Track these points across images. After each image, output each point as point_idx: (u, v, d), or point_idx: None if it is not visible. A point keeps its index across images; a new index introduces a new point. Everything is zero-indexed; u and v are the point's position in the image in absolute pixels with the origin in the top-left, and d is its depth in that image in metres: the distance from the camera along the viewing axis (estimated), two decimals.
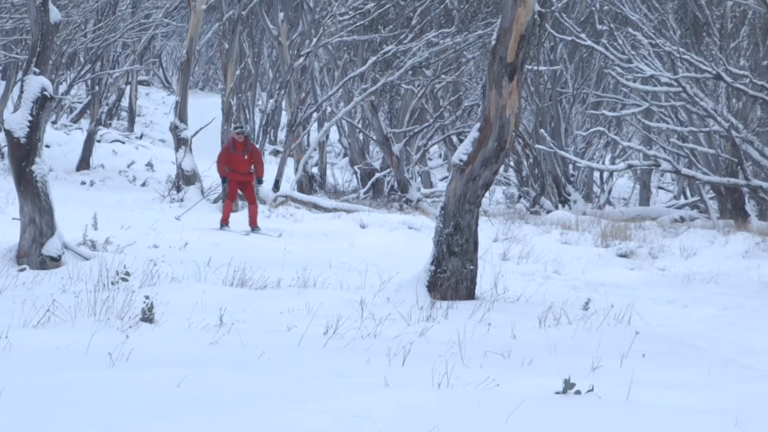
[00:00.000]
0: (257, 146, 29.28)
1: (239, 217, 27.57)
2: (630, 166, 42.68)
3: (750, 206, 37.30)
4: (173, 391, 7.99)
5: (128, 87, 55.16)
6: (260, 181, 28.02)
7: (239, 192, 27.59)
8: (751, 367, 11.67)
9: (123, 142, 48.17)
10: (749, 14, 34.91)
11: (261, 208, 30.38)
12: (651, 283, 19.79)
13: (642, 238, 26.43)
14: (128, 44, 48.54)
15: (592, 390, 8.89)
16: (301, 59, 36.43)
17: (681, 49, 34.17)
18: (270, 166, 37.25)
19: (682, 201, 43.25)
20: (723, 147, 35.05)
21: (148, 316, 11.43)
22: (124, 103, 56.75)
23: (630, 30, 36.67)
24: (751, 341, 13.79)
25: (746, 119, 34.58)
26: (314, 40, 36.28)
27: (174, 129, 31.83)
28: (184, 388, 8.09)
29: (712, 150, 35.85)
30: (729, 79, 32.19)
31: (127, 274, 14.22)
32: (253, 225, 26.08)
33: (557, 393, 8.80)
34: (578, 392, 8.82)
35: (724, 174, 35.20)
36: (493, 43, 15.45)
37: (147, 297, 11.80)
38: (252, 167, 26.81)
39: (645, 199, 48.89)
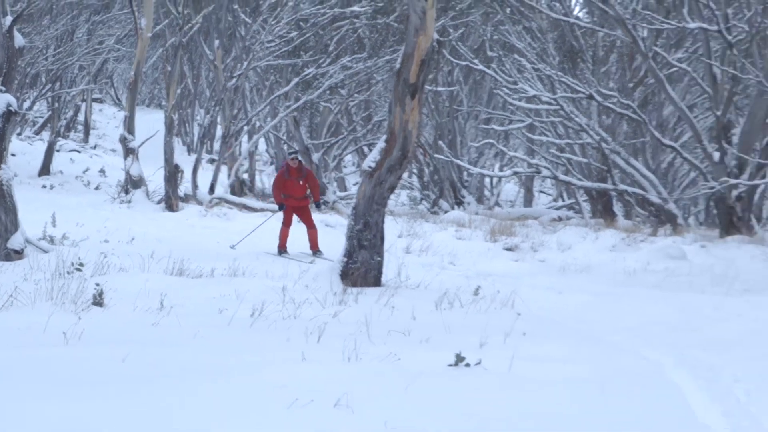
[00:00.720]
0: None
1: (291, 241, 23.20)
2: (515, 173, 43.01)
3: (617, 207, 37.59)
4: (119, 366, 8.00)
5: (84, 104, 54.84)
6: (318, 205, 23.58)
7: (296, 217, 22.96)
8: (616, 344, 11.77)
9: (79, 152, 47.82)
10: (617, 43, 35.16)
11: (197, 208, 30.18)
12: (532, 273, 19.89)
13: (525, 234, 26.54)
14: (84, 66, 48.13)
15: (479, 363, 8.98)
16: (234, 80, 36.39)
17: (559, 73, 34.38)
18: (206, 173, 37.19)
19: (560, 203, 43.49)
20: (594, 157, 35.30)
21: (98, 301, 11.43)
22: (81, 117, 56.32)
23: (516, 56, 36.86)
24: (617, 322, 13.89)
25: (614, 133, 34.85)
26: (245, 63, 36.24)
27: (123, 140, 31.69)
28: (129, 363, 8.10)
29: (585, 159, 36.12)
30: (600, 99, 32.43)
31: (81, 264, 14.17)
32: (315, 249, 21.95)
33: (450, 365, 8.88)
34: (468, 365, 8.91)
35: (596, 180, 35.47)
36: (398, 66, 15.56)
37: (98, 284, 11.80)
38: (308, 191, 22.66)
39: (528, 201, 49.20)
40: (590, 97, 32.57)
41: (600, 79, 35.10)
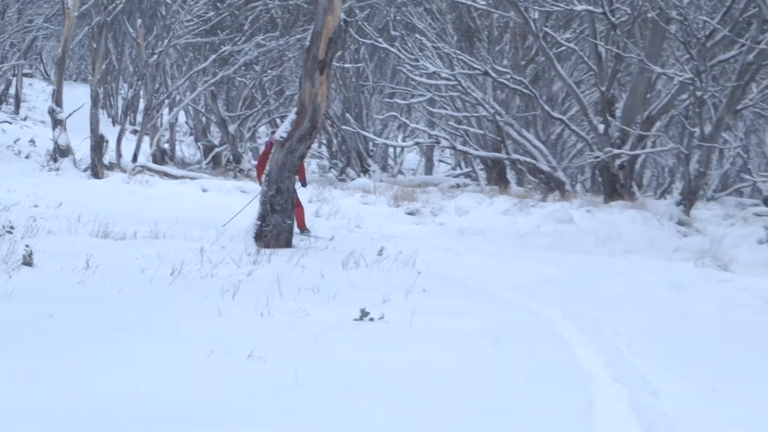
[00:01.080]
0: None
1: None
2: (417, 143, 43.10)
3: (510, 175, 37.75)
4: (48, 320, 7.92)
5: (15, 78, 54.20)
6: (303, 184, 19.71)
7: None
8: (509, 300, 11.85)
9: (10, 123, 47.17)
10: (511, 24, 35.24)
11: (121, 176, 29.94)
12: (432, 235, 19.98)
13: (426, 200, 26.60)
14: (15, 43, 47.66)
15: (382, 317, 8.99)
16: (155, 56, 36.05)
17: (457, 51, 34.46)
18: (129, 143, 36.83)
19: (458, 171, 43.60)
20: (490, 128, 35.40)
21: (28, 261, 11.26)
22: (12, 91, 55.69)
23: (417, 35, 36.89)
24: (510, 280, 14.00)
25: (508, 107, 34.97)
26: (165, 41, 35.89)
27: (51, 112, 31.41)
28: (57, 318, 8.02)
29: (481, 131, 36.22)
30: (494, 75, 32.54)
31: (12, 227, 14.00)
32: (302, 227, 19.04)
33: (355, 320, 8.89)
34: (372, 319, 8.92)
35: (491, 149, 35.56)
36: (308, 44, 15.56)
37: (27, 246, 11.62)
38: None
39: (429, 169, 49.34)
40: (486, 73, 32.67)
41: (495, 57, 35.16)
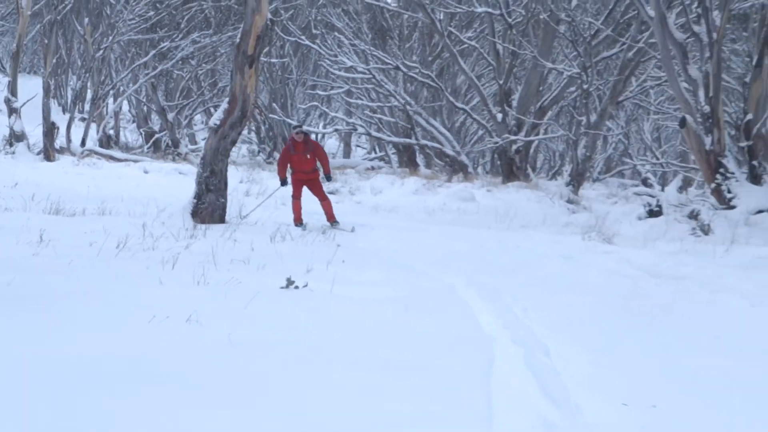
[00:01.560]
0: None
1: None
2: (336, 130, 43.26)
3: (420, 159, 37.83)
4: (5, 288, 7.84)
5: None
6: (328, 178, 19.14)
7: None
8: (419, 270, 11.89)
9: None
10: (419, 23, 35.28)
11: (71, 159, 29.73)
12: (350, 212, 20.03)
13: (344, 180, 26.65)
14: None
15: (306, 285, 9.03)
16: (101, 51, 35.83)
17: (371, 48, 34.49)
18: (78, 129, 36.52)
19: (373, 155, 43.61)
20: (401, 117, 35.46)
21: None
22: None
23: (336, 34, 36.86)
24: (419, 252, 14.06)
25: (417, 97, 35.06)
26: (110, 37, 35.69)
27: (8, 101, 31.30)
28: (14, 286, 7.95)
29: (393, 119, 36.30)
30: (405, 69, 32.62)
31: None
32: (332, 220, 18.38)
33: (282, 288, 8.90)
34: (297, 287, 8.95)
35: (402, 135, 35.67)
36: (238, 41, 15.63)
37: None
38: (316, 164, 18.57)
39: (347, 153, 49.41)
40: (397, 68, 32.75)
41: (405, 54, 35.21)
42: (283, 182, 18.70)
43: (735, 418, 6.13)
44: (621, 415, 6.05)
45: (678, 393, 6.64)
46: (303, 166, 18.02)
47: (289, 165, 18.28)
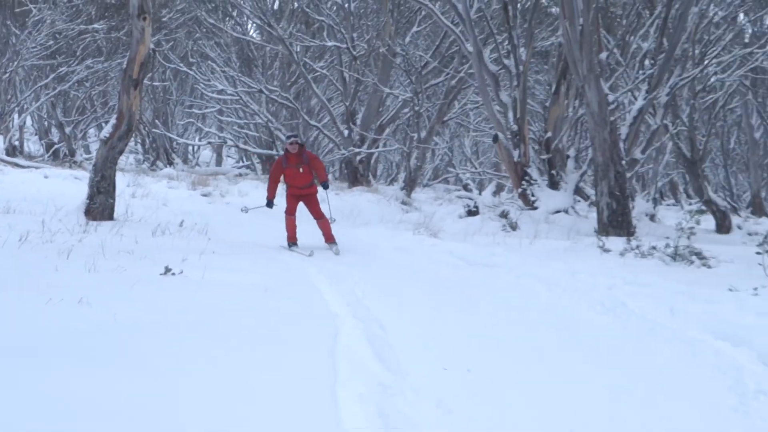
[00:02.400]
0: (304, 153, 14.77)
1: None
2: (209, 142, 42.96)
3: None
4: None
5: None
6: (326, 186, 15.23)
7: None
8: (276, 258, 11.87)
9: None
10: (279, 54, 35.16)
11: None
12: (220, 212, 19.81)
13: (216, 185, 26.34)
14: None
15: (182, 272, 8.94)
16: (7, 74, 34.90)
17: (239, 74, 34.29)
18: None
19: (241, 164, 43.31)
20: (264, 132, 35.29)
21: None
22: None
23: (210, 62, 36.56)
24: (278, 245, 14.04)
25: (277, 116, 34.95)
26: (15, 63, 34.80)
27: None
28: None
29: (257, 134, 36.13)
30: (267, 92, 32.52)
31: None
32: (330, 240, 14.63)
33: (161, 274, 8.80)
34: (173, 274, 8.86)
35: (265, 148, 35.51)
36: (125, 66, 15.35)
37: None
38: (313, 179, 14.87)
39: (218, 162, 49.09)
40: (260, 91, 32.65)
41: (267, 79, 35.09)
42: (269, 203, 14.91)
43: (534, 377, 6.29)
44: (442, 377, 6.14)
45: (488, 359, 6.78)
46: (297, 180, 14.35)
47: (282, 179, 14.59)
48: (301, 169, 14.21)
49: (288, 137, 14.53)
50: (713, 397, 5.97)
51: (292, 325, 7.27)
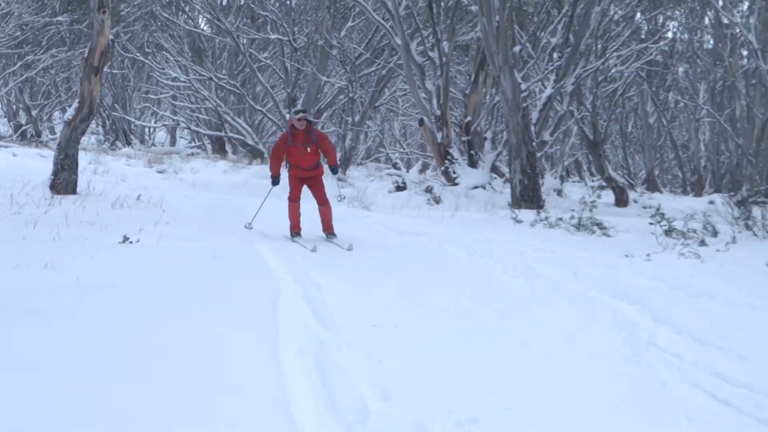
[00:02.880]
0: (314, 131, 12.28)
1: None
2: (164, 125, 42.45)
3: (228, 147, 37.36)
4: None
5: None
6: (335, 170, 12.41)
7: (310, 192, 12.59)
8: (225, 228, 11.78)
9: None
10: (227, 46, 34.83)
11: None
12: (174, 187, 19.64)
13: (170, 163, 26.10)
14: None
15: (138, 241, 8.84)
16: None
17: (191, 63, 33.91)
18: None
19: (193, 144, 42.88)
20: (214, 115, 34.95)
21: None
22: None
23: (164, 52, 36.13)
24: (226, 215, 13.93)
25: (226, 101, 34.63)
26: None
27: None
28: None
29: (208, 117, 35.79)
30: (216, 80, 32.25)
31: None
32: (328, 230, 12.29)
33: (120, 242, 8.70)
34: (131, 242, 8.76)
35: (214, 129, 35.20)
36: (87, 55, 15.09)
37: None
38: (319, 159, 12.53)
39: (173, 142, 48.53)
40: (210, 79, 32.37)
41: (216, 68, 34.76)
42: (275, 180, 12.29)
43: (454, 331, 6.36)
44: (372, 333, 6.18)
45: (414, 316, 6.84)
46: (302, 161, 11.89)
47: (285, 158, 12.10)
48: (308, 149, 11.79)
49: (296, 111, 11.88)
50: (610, 348, 6.09)
51: (238, 287, 7.25)
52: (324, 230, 12.08)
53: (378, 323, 6.46)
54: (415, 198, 18.89)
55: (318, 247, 10.46)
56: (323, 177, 12.33)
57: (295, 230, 12.02)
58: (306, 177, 12.04)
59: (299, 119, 11.66)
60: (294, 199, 12.04)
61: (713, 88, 32.57)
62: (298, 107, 13.71)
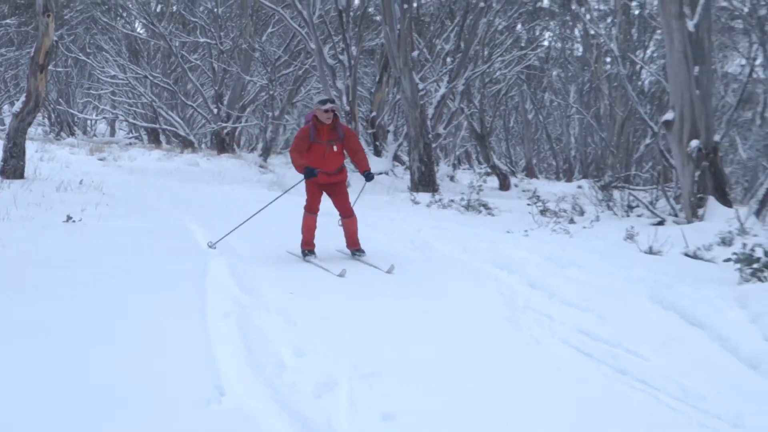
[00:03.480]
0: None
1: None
2: (104, 117, 41.56)
3: (162, 137, 36.54)
4: None
5: None
6: (370, 176, 8.43)
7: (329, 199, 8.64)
8: (159, 209, 11.56)
9: None
10: (162, 47, 34.10)
11: None
12: (113, 172, 19.15)
13: (110, 151, 25.37)
14: None
15: (81, 220, 8.69)
16: None
17: (128, 63, 33.12)
18: None
19: (131, 135, 41.88)
20: (149, 109, 34.20)
21: None
22: None
23: (104, 52, 35.21)
24: (159, 197, 13.66)
25: (160, 97, 33.90)
26: None
27: None
28: None
29: (144, 111, 34.99)
30: (151, 78, 31.58)
31: None
32: (354, 246, 8.52)
33: (64, 222, 8.53)
34: (74, 221, 8.60)
35: (150, 122, 34.42)
36: (33, 54, 14.70)
37: None
38: (344, 161, 8.53)
39: (112, 133, 47.38)
40: (145, 77, 31.64)
41: (151, 67, 33.96)
42: (310, 172, 7.88)
43: (360, 296, 6.39)
44: (288, 299, 6.18)
45: (326, 285, 6.86)
46: (326, 163, 8.14)
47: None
48: (334, 147, 8.11)
49: (322, 101, 8.06)
50: (493, 310, 6.20)
51: (170, 260, 7.16)
52: (349, 246, 8.55)
53: (293, 291, 6.47)
54: None
55: (235, 223, 9.98)
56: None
57: (309, 247, 8.37)
58: (328, 183, 8.36)
59: (326, 110, 7.96)
60: (312, 210, 8.43)
61: (582, 90, 33.30)
62: (323, 96, 9.39)
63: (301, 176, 8.07)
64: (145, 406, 3.77)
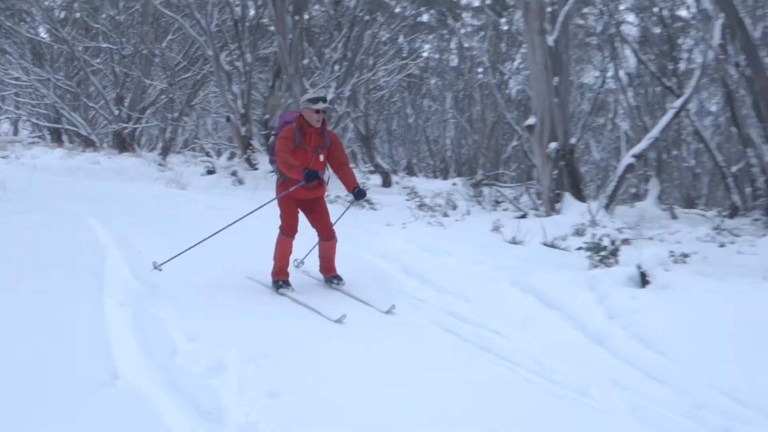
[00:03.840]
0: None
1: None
2: (8, 117, 39.72)
3: (65, 137, 35.05)
4: None
5: None
6: (361, 194, 6.33)
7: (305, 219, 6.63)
8: (59, 205, 11.13)
9: None
10: (65, 51, 32.78)
11: None
12: (16, 170, 18.27)
13: (13, 150, 24.25)
14: None
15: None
16: None
17: (32, 66, 31.70)
18: None
19: (35, 134, 40.02)
20: (53, 110, 32.76)
21: None
22: None
23: (8, 56, 33.59)
24: (61, 193, 13.15)
25: (63, 98, 32.51)
26: None
27: None
28: None
29: (47, 111, 33.47)
30: (54, 80, 30.31)
31: None
32: (330, 272, 6.59)
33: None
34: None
35: (53, 122, 32.93)
36: None
37: None
38: (327, 171, 6.45)
39: (15, 132, 45.26)
40: (49, 79, 30.40)
41: (55, 70, 32.57)
42: (310, 174, 5.90)
43: (248, 288, 6.32)
44: (183, 289, 6.06)
45: (217, 274, 6.75)
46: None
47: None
48: (320, 157, 6.35)
49: (314, 100, 6.19)
50: (377, 294, 6.27)
51: (69, 252, 6.93)
52: (324, 271, 6.77)
53: (193, 282, 6.34)
54: (223, 180, 18.54)
55: (134, 217, 9.80)
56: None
57: (283, 277, 6.41)
58: (306, 199, 6.54)
59: (317, 111, 6.19)
60: (289, 232, 6.42)
61: (457, 96, 33.91)
62: (314, 94, 6.30)
63: (275, 196, 6.46)
64: (40, 391, 3.65)
